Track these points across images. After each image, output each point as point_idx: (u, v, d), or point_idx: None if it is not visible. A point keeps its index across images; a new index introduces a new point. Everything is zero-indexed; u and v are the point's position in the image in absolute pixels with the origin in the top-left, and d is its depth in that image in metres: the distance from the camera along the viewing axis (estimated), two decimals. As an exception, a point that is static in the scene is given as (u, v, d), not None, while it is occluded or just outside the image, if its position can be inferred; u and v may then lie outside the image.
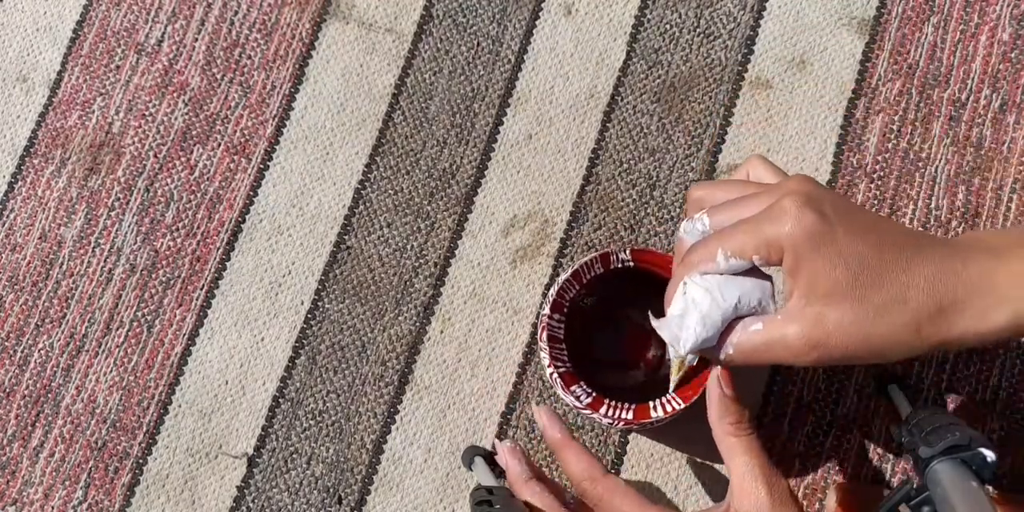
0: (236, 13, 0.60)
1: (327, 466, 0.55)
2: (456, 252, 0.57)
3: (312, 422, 0.55)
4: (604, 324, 0.53)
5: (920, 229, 0.55)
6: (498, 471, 0.54)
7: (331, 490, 0.54)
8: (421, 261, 0.57)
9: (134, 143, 0.59)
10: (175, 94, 0.59)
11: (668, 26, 0.59)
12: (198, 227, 0.58)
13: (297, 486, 0.55)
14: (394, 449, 0.55)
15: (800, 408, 0.54)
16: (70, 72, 0.60)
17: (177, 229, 0.58)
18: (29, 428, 0.56)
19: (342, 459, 0.55)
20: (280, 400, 0.56)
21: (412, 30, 0.59)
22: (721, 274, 0.40)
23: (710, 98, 0.58)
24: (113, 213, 0.58)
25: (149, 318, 0.57)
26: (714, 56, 0.58)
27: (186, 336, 0.56)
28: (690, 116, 0.58)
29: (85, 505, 0.55)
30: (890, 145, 0.56)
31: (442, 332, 0.56)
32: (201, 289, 0.57)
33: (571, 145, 0.58)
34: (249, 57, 0.59)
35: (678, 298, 0.40)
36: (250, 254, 0.57)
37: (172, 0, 0.60)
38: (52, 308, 0.57)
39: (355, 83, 0.59)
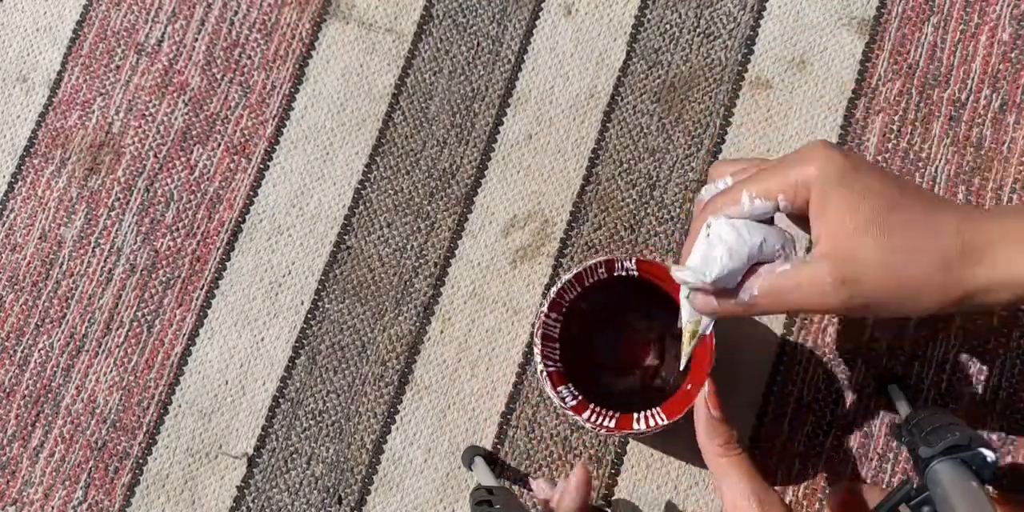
0: (236, 13, 0.60)
1: (327, 466, 0.55)
2: (456, 252, 0.57)
3: (312, 422, 0.55)
4: (604, 328, 0.53)
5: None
6: (498, 471, 0.54)
7: (331, 490, 0.54)
8: (421, 261, 0.57)
9: (134, 143, 0.59)
10: (175, 94, 0.59)
11: (668, 26, 0.59)
12: (198, 227, 0.58)
13: (297, 486, 0.55)
14: (394, 449, 0.55)
15: (800, 408, 0.54)
16: (70, 72, 0.60)
17: (177, 229, 0.58)
18: (29, 428, 0.56)
19: (342, 459, 0.55)
20: (280, 400, 0.56)
21: (412, 30, 0.59)
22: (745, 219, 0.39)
23: (710, 98, 0.58)
24: (113, 213, 0.58)
25: (149, 318, 0.57)
26: (714, 56, 0.58)
27: (186, 336, 0.56)
28: (690, 116, 0.58)
29: (85, 505, 0.55)
30: (890, 145, 0.56)
31: (442, 332, 0.56)
32: (201, 289, 0.57)
33: (571, 145, 0.58)
34: (249, 57, 0.59)
35: (699, 243, 0.39)
36: (250, 254, 0.57)
37: (172, 0, 0.60)
38: (52, 308, 0.57)
39: (355, 83, 0.59)
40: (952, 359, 0.54)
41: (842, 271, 0.37)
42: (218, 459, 0.55)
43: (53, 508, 0.55)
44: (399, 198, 0.58)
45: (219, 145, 0.59)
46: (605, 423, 0.48)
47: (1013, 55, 0.57)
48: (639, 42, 0.59)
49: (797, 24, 0.58)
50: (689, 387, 0.48)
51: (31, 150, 0.59)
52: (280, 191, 0.58)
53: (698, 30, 0.58)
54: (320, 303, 0.56)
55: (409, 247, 0.57)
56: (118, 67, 0.60)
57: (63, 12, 0.61)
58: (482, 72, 0.59)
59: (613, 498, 0.54)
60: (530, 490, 0.54)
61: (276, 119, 0.59)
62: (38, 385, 0.56)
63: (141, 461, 0.55)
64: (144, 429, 0.56)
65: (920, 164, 0.56)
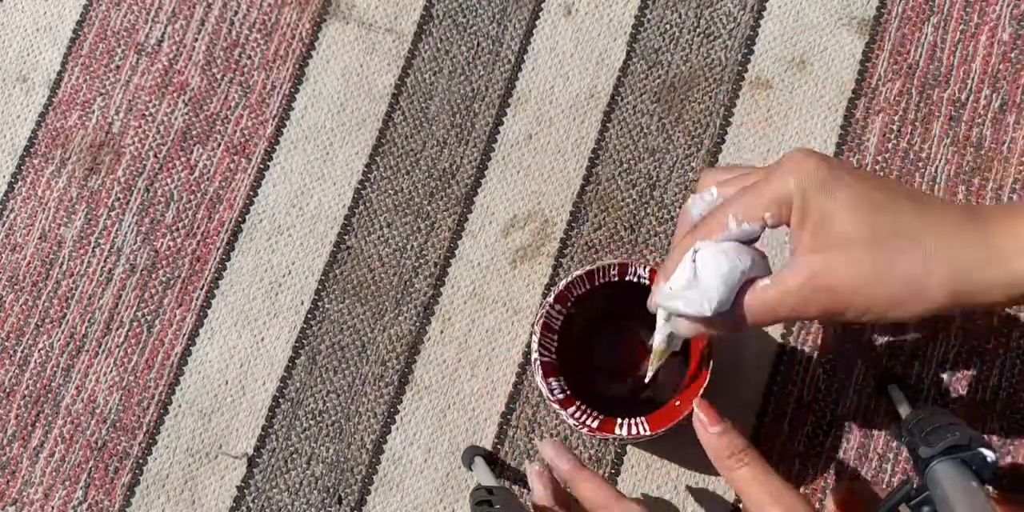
0: (236, 13, 0.60)
1: (327, 466, 0.55)
2: (456, 252, 0.57)
3: (312, 422, 0.55)
4: (605, 330, 0.53)
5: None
6: (498, 471, 0.54)
7: (331, 490, 0.54)
8: (421, 261, 0.57)
9: (134, 143, 0.59)
10: (175, 94, 0.59)
11: (668, 26, 0.59)
12: (198, 227, 0.58)
13: (297, 486, 0.55)
14: (394, 449, 0.55)
15: (800, 408, 0.54)
16: (70, 72, 0.60)
17: (177, 229, 0.58)
18: (29, 428, 0.56)
19: (342, 459, 0.55)
20: (280, 400, 0.56)
21: (412, 30, 0.59)
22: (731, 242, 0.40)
23: (710, 98, 0.58)
24: (113, 213, 0.58)
25: (149, 318, 0.57)
26: (714, 56, 0.58)
27: (186, 336, 0.56)
28: (690, 116, 0.58)
29: (85, 505, 0.55)
30: (890, 145, 0.57)
31: (442, 332, 0.56)
32: (201, 289, 0.57)
33: (571, 145, 0.58)
34: (249, 57, 0.59)
35: (684, 266, 0.39)
36: (250, 254, 0.57)
37: (172, 0, 0.60)
38: (52, 308, 0.57)
39: (355, 83, 0.59)
40: (952, 359, 0.54)
41: (816, 281, 0.37)
42: (218, 459, 0.55)
43: (53, 508, 0.55)
44: (399, 198, 0.58)
45: (219, 145, 0.59)
46: (588, 422, 0.48)
47: (1013, 55, 0.57)
48: (639, 42, 0.59)
49: (797, 24, 0.58)
50: (677, 403, 0.48)
51: (31, 150, 0.59)
52: (280, 191, 0.58)
53: (698, 30, 0.58)
54: (320, 303, 0.56)
55: (409, 247, 0.57)
56: (118, 67, 0.60)
57: (63, 12, 0.61)
58: (482, 72, 0.59)
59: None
60: (530, 490, 0.54)
61: (276, 119, 0.59)
62: (38, 385, 0.56)
63: (141, 461, 0.55)
64: (144, 429, 0.56)
65: (920, 164, 0.56)
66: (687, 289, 0.39)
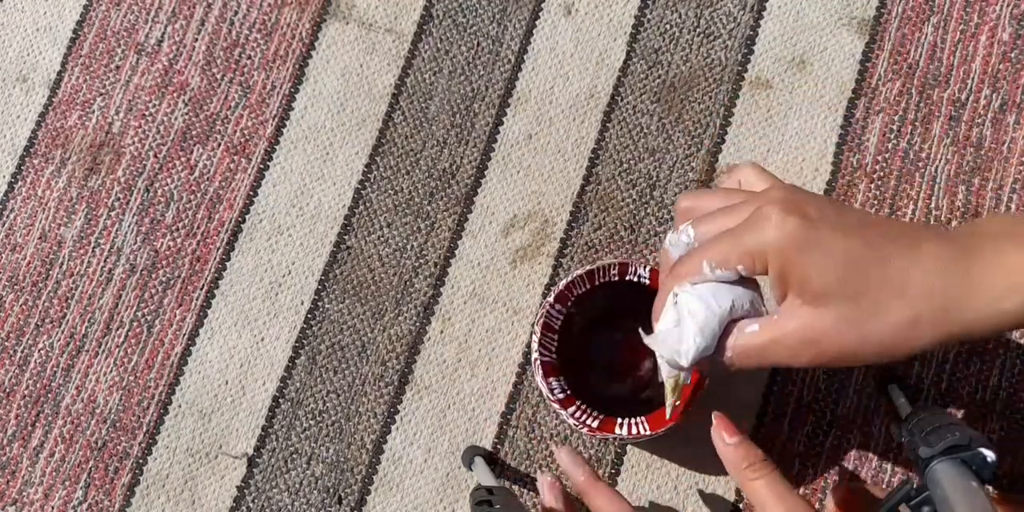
0: (236, 13, 0.60)
1: (327, 466, 0.55)
2: (456, 252, 0.57)
3: (312, 422, 0.55)
4: (605, 330, 0.53)
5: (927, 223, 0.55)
6: (498, 471, 0.54)
7: (331, 490, 0.54)
8: (421, 261, 0.57)
9: (134, 143, 0.59)
10: (175, 94, 0.59)
11: (668, 26, 0.59)
12: (198, 227, 0.58)
13: (297, 486, 0.55)
14: (394, 449, 0.55)
15: (800, 408, 0.54)
16: (70, 72, 0.60)
17: (177, 229, 0.58)
18: (29, 428, 0.56)
19: (342, 459, 0.55)
20: (280, 400, 0.56)
21: (412, 30, 0.59)
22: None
23: (710, 98, 0.58)
24: (113, 213, 0.58)
25: (149, 318, 0.57)
26: (714, 56, 0.58)
27: (186, 336, 0.56)
28: (690, 116, 0.58)
29: (85, 505, 0.55)
30: (890, 145, 0.56)
31: (442, 332, 0.56)
32: (201, 289, 0.57)
33: (571, 145, 0.58)
34: (249, 57, 0.59)
35: (668, 310, 0.40)
36: (250, 254, 0.57)
37: (172, 0, 0.60)
38: (52, 308, 0.57)
39: (355, 83, 0.59)
40: (952, 359, 0.54)
41: (805, 333, 0.37)
42: (218, 459, 0.55)
43: (53, 508, 0.55)
44: (399, 198, 0.58)
45: (219, 145, 0.59)
46: (588, 422, 0.48)
47: (1013, 55, 0.57)
48: (639, 42, 0.59)
49: (797, 24, 0.58)
50: (677, 403, 0.48)
51: (31, 150, 0.59)
52: (280, 191, 0.58)
53: (698, 30, 0.58)
54: (320, 303, 0.56)
55: (409, 247, 0.57)
56: (118, 67, 0.60)
57: (63, 12, 0.61)
58: (482, 72, 0.59)
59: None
60: (530, 490, 0.54)
61: (276, 119, 0.59)
62: (38, 385, 0.56)
63: (141, 461, 0.55)
64: (144, 429, 0.56)
65: (920, 164, 0.56)
66: (669, 336, 0.40)
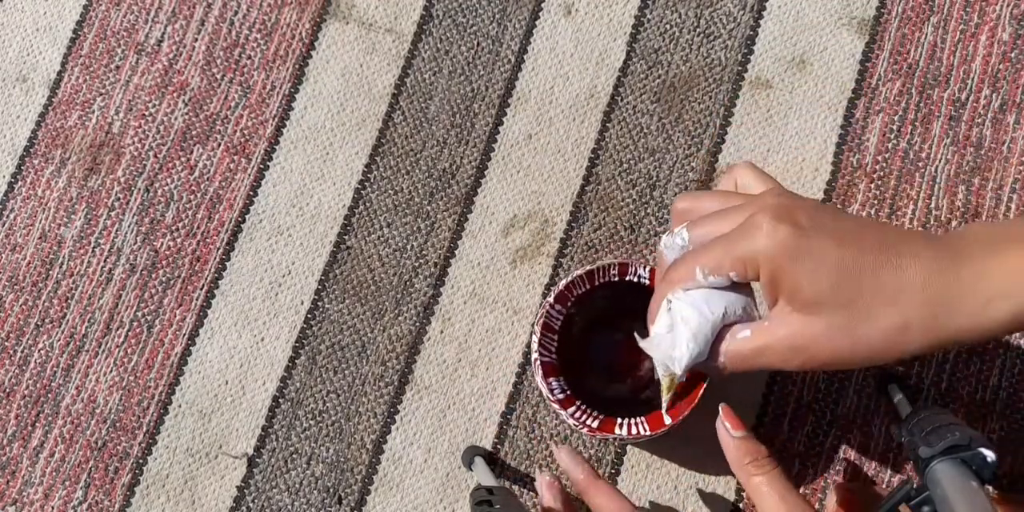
0: (236, 13, 0.60)
1: (327, 466, 0.55)
2: (456, 252, 0.57)
3: (312, 422, 0.55)
4: (604, 330, 0.53)
5: (920, 229, 0.55)
6: (498, 471, 0.54)
7: (331, 490, 0.54)
8: (421, 261, 0.57)
9: (134, 143, 0.59)
10: (175, 94, 0.59)
11: (668, 26, 0.59)
12: (198, 227, 0.58)
13: (297, 486, 0.55)
14: (394, 449, 0.55)
15: (800, 408, 0.54)
16: (70, 72, 0.60)
17: (177, 229, 0.58)
18: (29, 428, 0.56)
19: (342, 459, 0.55)
20: (280, 400, 0.56)
21: (412, 30, 0.59)
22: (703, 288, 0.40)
23: (710, 98, 0.58)
24: (113, 213, 0.58)
25: (149, 318, 0.57)
26: (714, 56, 0.58)
27: (186, 336, 0.56)
28: (690, 116, 0.58)
29: (85, 505, 0.55)
30: (890, 145, 0.56)
31: (442, 332, 0.56)
32: (201, 289, 0.57)
33: (571, 145, 0.58)
34: (249, 57, 0.59)
35: (662, 315, 0.41)
36: (250, 254, 0.57)
37: (172, 0, 0.60)
38: (52, 308, 0.57)
39: (355, 83, 0.59)
40: (952, 359, 0.54)
41: (796, 339, 0.38)
42: (218, 459, 0.55)
43: (53, 508, 0.55)
44: (399, 198, 0.58)
45: (219, 145, 0.59)
46: (588, 422, 0.48)
47: (1013, 55, 0.57)
48: (639, 42, 0.59)
49: (797, 24, 0.58)
50: (675, 394, 0.48)
51: (31, 150, 0.59)
52: (280, 191, 0.58)
53: (698, 30, 0.58)
54: (320, 303, 0.56)
55: (409, 247, 0.57)
56: (118, 67, 0.60)
57: (63, 12, 0.61)
58: (482, 72, 0.59)
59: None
60: (530, 490, 0.54)
61: (276, 119, 0.59)
62: (38, 385, 0.56)
63: (141, 461, 0.55)
64: (144, 429, 0.56)
65: (920, 164, 0.56)
66: (663, 341, 0.40)
